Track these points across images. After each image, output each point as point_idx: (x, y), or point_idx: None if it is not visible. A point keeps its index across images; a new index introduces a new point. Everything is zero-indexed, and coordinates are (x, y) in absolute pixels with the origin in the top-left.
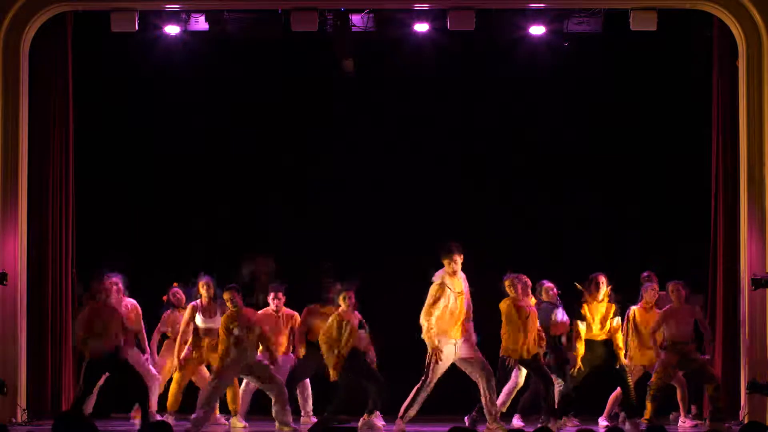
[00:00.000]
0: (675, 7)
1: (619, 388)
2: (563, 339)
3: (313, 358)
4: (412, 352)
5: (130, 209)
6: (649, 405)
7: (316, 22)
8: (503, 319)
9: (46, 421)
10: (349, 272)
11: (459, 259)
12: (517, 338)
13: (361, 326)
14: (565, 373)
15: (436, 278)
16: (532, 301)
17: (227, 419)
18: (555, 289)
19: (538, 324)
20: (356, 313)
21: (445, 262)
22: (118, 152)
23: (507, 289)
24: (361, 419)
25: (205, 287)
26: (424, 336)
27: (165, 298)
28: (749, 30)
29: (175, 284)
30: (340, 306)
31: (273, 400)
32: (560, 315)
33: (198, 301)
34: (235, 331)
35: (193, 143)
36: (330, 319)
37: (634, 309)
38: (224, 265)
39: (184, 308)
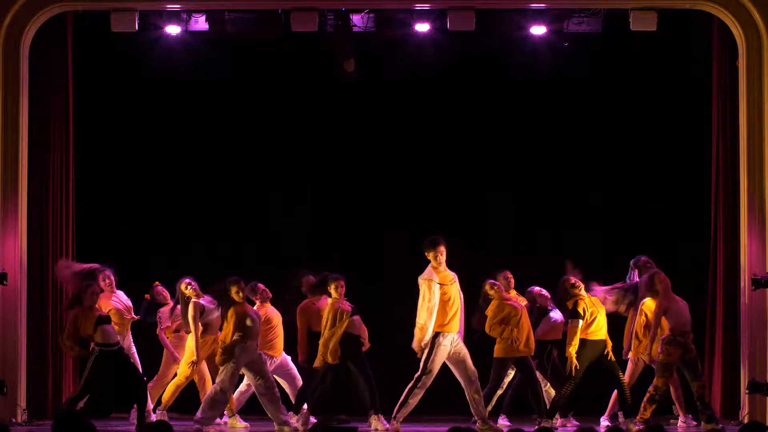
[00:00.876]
0: (675, 7)
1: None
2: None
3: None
4: (411, 353)
5: (130, 209)
6: (648, 406)
7: (316, 22)
8: (497, 321)
9: (46, 421)
10: (349, 272)
11: (444, 250)
12: (510, 337)
13: (353, 313)
14: (562, 376)
15: (423, 276)
16: (522, 302)
17: (225, 419)
18: (546, 293)
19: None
20: (346, 301)
21: (431, 256)
22: (118, 152)
23: (489, 292)
24: (373, 420)
25: (188, 287)
26: (416, 336)
27: (159, 289)
28: (749, 30)
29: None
30: (331, 295)
31: (262, 400)
32: (554, 318)
33: (195, 298)
34: (248, 323)
35: (193, 143)
36: (326, 310)
37: (647, 301)
38: (223, 264)
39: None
